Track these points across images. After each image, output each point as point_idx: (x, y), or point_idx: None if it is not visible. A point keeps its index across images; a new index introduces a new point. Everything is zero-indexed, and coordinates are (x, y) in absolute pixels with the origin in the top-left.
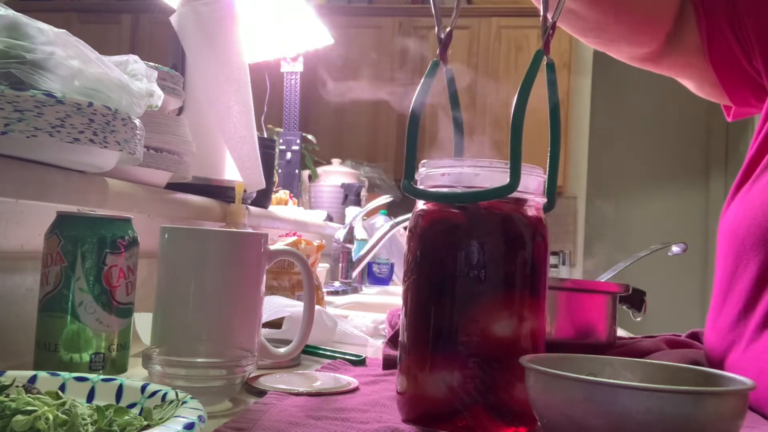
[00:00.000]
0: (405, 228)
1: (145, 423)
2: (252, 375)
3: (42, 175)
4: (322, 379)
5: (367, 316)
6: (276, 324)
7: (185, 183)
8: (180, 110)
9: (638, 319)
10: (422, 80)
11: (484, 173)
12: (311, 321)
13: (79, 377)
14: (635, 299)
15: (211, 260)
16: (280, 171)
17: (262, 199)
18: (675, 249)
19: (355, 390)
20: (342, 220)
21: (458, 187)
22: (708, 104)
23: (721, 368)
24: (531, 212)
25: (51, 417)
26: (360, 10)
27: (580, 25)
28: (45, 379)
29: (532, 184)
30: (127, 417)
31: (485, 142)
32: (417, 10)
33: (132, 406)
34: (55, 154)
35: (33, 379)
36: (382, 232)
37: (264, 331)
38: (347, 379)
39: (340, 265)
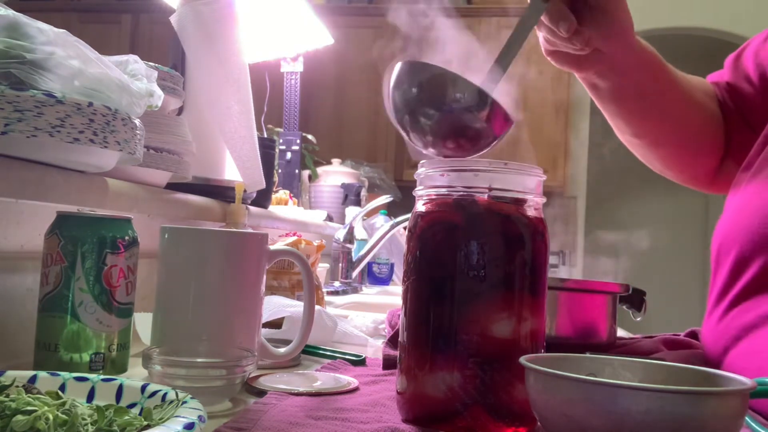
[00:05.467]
0: (405, 228)
1: (145, 423)
2: (252, 375)
3: (42, 175)
4: (322, 379)
5: (367, 316)
6: (276, 324)
7: (185, 183)
8: (180, 110)
9: (638, 319)
10: None
11: (483, 173)
12: (311, 321)
13: (79, 377)
14: (635, 299)
15: (211, 260)
16: (280, 171)
17: (262, 199)
18: None
19: (355, 390)
20: (342, 220)
21: (458, 187)
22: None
23: (719, 367)
24: (531, 212)
25: (51, 417)
26: (360, 10)
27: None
28: (45, 379)
29: (532, 184)
30: (127, 417)
31: None
32: None
33: (132, 406)
34: (55, 154)
35: (33, 379)
36: (382, 232)
37: (264, 331)
38: (347, 379)
39: (340, 265)
